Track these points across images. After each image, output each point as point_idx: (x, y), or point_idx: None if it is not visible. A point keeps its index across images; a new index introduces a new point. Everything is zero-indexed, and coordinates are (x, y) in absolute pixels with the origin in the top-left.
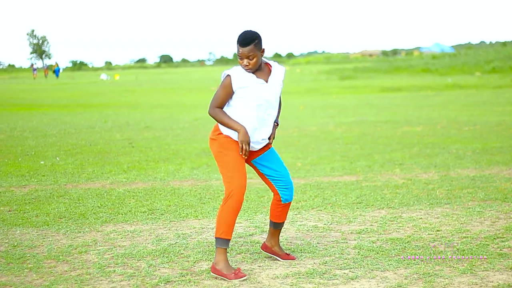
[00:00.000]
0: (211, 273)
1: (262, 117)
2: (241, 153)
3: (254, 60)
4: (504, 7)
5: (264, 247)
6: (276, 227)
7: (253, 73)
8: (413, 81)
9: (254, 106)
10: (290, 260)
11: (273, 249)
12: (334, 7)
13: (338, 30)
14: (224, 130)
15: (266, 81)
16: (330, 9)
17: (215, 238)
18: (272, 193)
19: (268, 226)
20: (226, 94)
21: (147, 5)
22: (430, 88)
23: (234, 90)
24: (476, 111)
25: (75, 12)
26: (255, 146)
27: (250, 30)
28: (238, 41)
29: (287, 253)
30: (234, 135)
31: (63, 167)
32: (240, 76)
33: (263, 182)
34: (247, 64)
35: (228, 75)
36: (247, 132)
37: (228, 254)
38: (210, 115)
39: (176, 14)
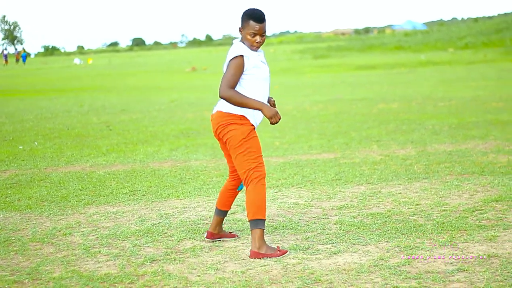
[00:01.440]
0: (253, 259)
1: (266, 95)
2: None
3: (264, 37)
4: None
5: (211, 235)
6: (223, 214)
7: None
8: (386, 59)
9: (263, 84)
10: (273, 237)
11: (220, 233)
12: None
13: (309, 10)
14: (237, 110)
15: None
16: None
17: (254, 220)
18: (228, 179)
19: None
20: (239, 74)
21: None
22: (403, 65)
23: (245, 70)
24: (450, 87)
25: None
26: (259, 124)
27: (257, 8)
28: (252, 18)
29: (230, 232)
30: (249, 115)
31: (42, 152)
32: (250, 55)
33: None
34: (260, 41)
35: (240, 55)
36: (270, 106)
37: (213, 234)
38: (224, 97)
39: None
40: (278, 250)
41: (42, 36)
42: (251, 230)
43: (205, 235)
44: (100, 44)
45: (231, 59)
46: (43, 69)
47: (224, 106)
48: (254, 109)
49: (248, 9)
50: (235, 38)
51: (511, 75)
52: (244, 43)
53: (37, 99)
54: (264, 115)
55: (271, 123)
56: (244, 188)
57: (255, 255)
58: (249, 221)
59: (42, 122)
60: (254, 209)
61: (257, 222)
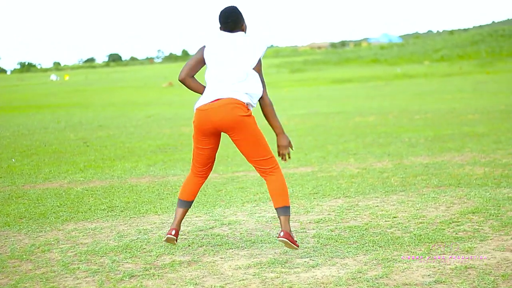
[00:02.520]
0: (285, 240)
1: None
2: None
3: None
4: None
5: (177, 233)
6: (189, 206)
7: None
8: (362, 72)
9: None
10: (252, 251)
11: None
12: (281, 0)
13: (286, 23)
14: (250, 101)
15: None
16: (277, 3)
17: (285, 207)
18: (195, 174)
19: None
20: None
21: (93, 3)
22: (379, 78)
23: None
24: (426, 100)
25: (21, 13)
26: None
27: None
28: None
29: None
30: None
31: (19, 168)
32: None
33: (219, 174)
34: None
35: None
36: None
37: (189, 247)
38: (267, 97)
39: (123, 12)
40: (296, 244)
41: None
42: (284, 216)
43: (173, 233)
44: (76, 60)
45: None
46: (19, 85)
47: (245, 98)
48: (276, 127)
49: (231, 7)
50: None
51: (487, 87)
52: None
53: (14, 116)
54: (279, 141)
55: (281, 153)
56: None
57: (288, 236)
58: (280, 207)
59: (19, 139)
60: (286, 195)
61: (288, 208)
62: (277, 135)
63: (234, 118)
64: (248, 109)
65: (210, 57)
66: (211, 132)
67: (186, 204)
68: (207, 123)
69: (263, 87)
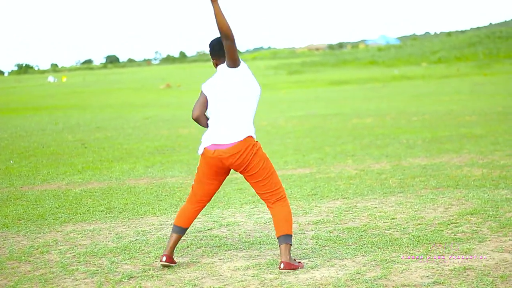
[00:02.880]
0: (286, 271)
1: None
2: None
3: None
4: None
5: (170, 259)
6: (183, 232)
7: None
8: (360, 74)
9: None
10: (250, 252)
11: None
12: (278, 2)
13: (283, 25)
14: (254, 133)
15: None
16: (275, 4)
17: (288, 235)
18: (193, 203)
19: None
20: None
21: (90, 4)
22: (377, 80)
23: None
24: (424, 101)
25: (18, 14)
26: None
27: None
28: None
29: None
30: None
31: (17, 170)
32: None
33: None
34: None
35: None
36: None
37: (188, 249)
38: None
39: (120, 14)
40: (299, 262)
41: (16, 54)
42: (285, 244)
43: (164, 259)
44: (74, 62)
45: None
46: (17, 87)
47: (253, 131)
48: None
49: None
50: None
51: (484, 89)
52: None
53: (11, 118)
54: None
55: None
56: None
57: (289, 266)
58: (283, 235)
59: (17, 141)
60: (289, 225)
61: (290, 237)
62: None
63: (250, 157)
64: (256, 141)
65: (209, 94)
66: (226, 171)
67: (181, 231)
68: (223, 166)
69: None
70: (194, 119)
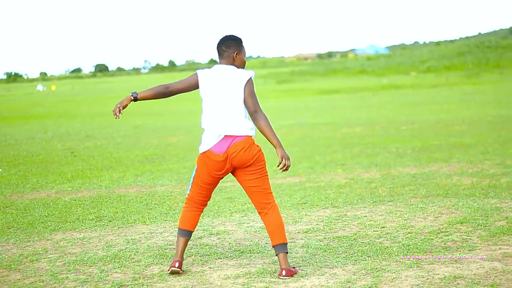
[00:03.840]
0: (288, 277)
1: None
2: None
3: None
4: (437, 8)
5: (181, 265)
6: (190, 235)
7: None
8: (349, 83)
9: None
10: (241, 261)
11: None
12: (267, 11)
13: (272, 35)
14: (253, 132)
15: None
16: (263, 14)
17: (284, 244)
18: (194, 207)
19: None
20: None
21: (79, 13)
22: (366, 89)
23: None
24: (413, 111)
25: (7, 23)
26: None
27: None
28: (243, 42)
29: None
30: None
31: (6, 178)
32: None
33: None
34: None
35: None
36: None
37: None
38: (264, 118)
39: (109, 23)
40: (293, 268)
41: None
42: (282, 253)
43: (176, 265)
44: (63, 70)
45: (248, 80)
46: (6, 96)
47: (252, 131)
48: (275, 140)
49: (234, 35)
50: (198, 63)
51: (474, 98)
52: (235, 66)
53: (0, 126)
54: (279, 153)
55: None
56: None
57: (290, 272)
58: (279, 244)
59: (6, 149)
60: (283, 233)
61: (286, 245)
62: (276, 147)
63: (252, 157)
64: (257, 146)
65: (204, 90)
66: (227, 171)
67: (187, 234)
68: (225, 167)
69: (256, 104)
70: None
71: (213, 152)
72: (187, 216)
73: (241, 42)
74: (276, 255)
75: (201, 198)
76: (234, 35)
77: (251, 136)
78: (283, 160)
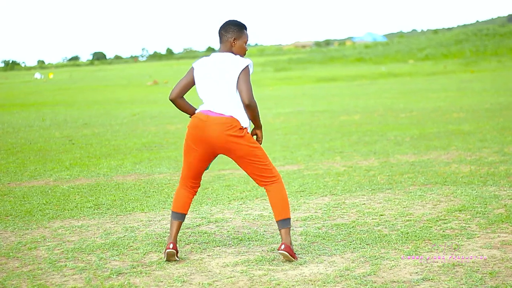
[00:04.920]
0: (286, 253)
1: None
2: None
3: None
4: None
5: (175, 246)
6: (183, 218)
7: None
8: (347, 71)
9: None
10: (239, 248)
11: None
12: None
13: (270, 22)
14: (246, 123)
15: None
16: (262, 1)
17: (286, 219)
18: (187, 187)
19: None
20: None
21: (77, 1)
22: (364, 77)
23: None
24: (411, 98)
25: (4, 11)
26: None
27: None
28: (246, 28)
29: None
30: (248, 126)
31: (4, 166)
32: None
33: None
34: None
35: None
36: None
37: (177, 245)
38: (252, 105)
39: (107, 10)
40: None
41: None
42: (286, 228)
43: (171, 246)
44: (60, 58)
45: (244, 69)
46: (3, 84)
47: (239, 115)
48: (259, 123)
49: (237, 20)
50: (196, 51)
51: (472, 86)
52: (233, 53)
53: None
54: (259, 133)
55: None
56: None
57: (289, 249)
58: (282, 220)
59: (4, 137)
60: (287, 208)
61: (290, 220)
62: (257, 129)
63: (231, 138)
64: (242, 128)
65: (199, 79)
66: (207, 148)
67: (180, 217)
68: (202, 137)
69: (251, 96)
70: (170, 100)
71: (195, 116)
72: (179, 198)
73: (243, 28)
74: (279, 230)
75: (190, 180)
76: (238, 20)
77: (236, 119)
78: (260, 139)
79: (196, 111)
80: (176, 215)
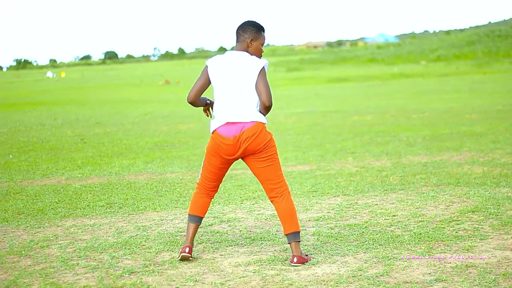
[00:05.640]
0: (299, 265)
1: None
2: None
3: None
4: None
5: (191, 250)
6: (200, 221)
7: None
8: (359, 71)
9: None
10: (251, 248)
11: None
12: None
13: (282, 23)
14: (264, 119)
15: None
16: (274, 1)
17: (296, 232)
18: (204, 193)
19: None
20: None
21: (89, 0)
22: (376, 78)
23: None
24: (423, 99)
25: (17, 10)
26: None
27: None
28: (263, 30)
29: None
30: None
31: (17, 165)
32: None
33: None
34: None
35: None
36: None
37: (193, 248)
38: (271, 106)
39: (119, 9)
40: (306, 255)
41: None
42: (295, 242)
43: (187, 251)
44: (72, 57)
45: (261, 70)
46: (15, 82)
47: (263, 118)
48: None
49: (255, 22)
50: (208, 50)
51: (484, 87)
52: (248, 53)
53: (10, 113)
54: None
55: None
56: None
57: (301, 259)
58: (292, 233)
59: (16, 136)
60: (296, 221)
61: (299, 233)
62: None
63: (264, 142)
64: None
65: (215, 78)
66: (237, 157)
67: (197, 220)
68: (236, 151)
69: (270, 98)
70: (189, 103)
71: (221, 134)
72: (197, 201)
73: (261, 30)
74: (289, 243)
75: (210, 183)
76: (256, 22)
77: (261, 122)
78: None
79: (217, 128)
80: (194, 218)
